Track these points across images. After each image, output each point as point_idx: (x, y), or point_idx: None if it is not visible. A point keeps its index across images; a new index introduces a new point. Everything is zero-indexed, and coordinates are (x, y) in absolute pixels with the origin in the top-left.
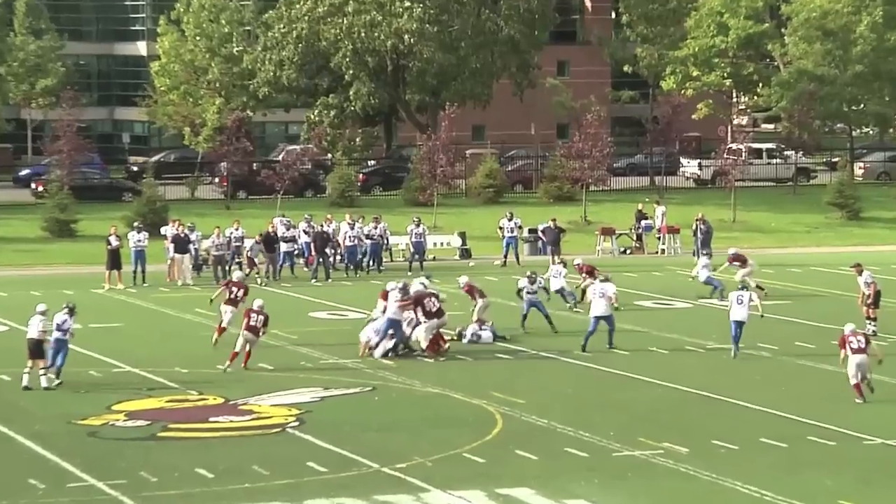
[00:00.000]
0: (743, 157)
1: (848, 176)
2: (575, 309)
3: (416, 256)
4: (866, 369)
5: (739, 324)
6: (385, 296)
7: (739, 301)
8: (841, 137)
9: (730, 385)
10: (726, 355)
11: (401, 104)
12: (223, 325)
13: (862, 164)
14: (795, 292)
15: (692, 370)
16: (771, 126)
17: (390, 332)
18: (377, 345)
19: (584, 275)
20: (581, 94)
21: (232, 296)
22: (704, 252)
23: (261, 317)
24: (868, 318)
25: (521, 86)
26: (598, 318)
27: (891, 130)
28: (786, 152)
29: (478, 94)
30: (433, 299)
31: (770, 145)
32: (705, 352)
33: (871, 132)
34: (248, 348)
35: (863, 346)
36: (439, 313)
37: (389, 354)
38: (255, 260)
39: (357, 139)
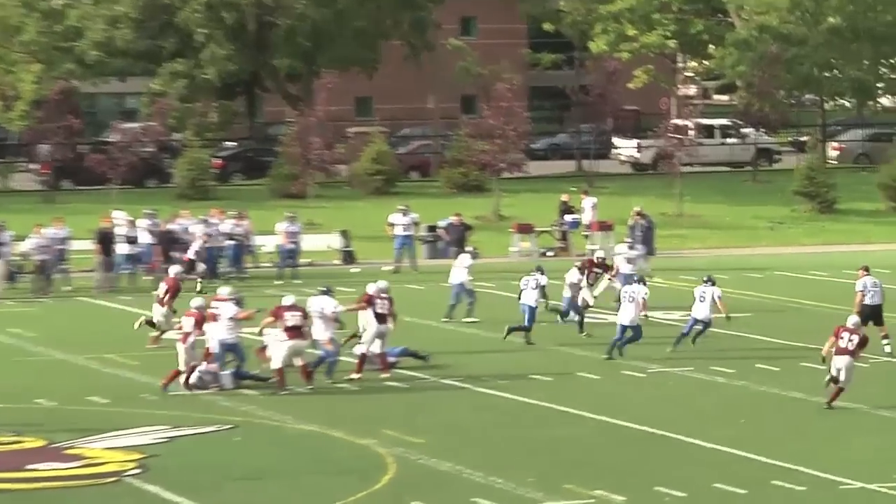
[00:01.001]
0: (691, 136)
1: (819, 159)
2: (563, 321)
3: (289, 261)
4: (848, 375)
5: (701, 323)
6: (278, 312)
7: (702, 299)
8: (811, 111)
9: (677, 418)
10: (673, 380)
11: (266, 72)
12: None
13: (837, 144)
14: (757, 303)
15: (630, 400)
16: (725, 97)
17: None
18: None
19: (592, 272)
20: (491, 59)
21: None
22: (641, 250)
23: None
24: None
25: (415, 48)
26: (625, 327)
27: (871, 102)
28: (743, 130)
29: (362, 58)
30: (385, 301)
31: (724, 121)
32: (646, 376)
33: (847, 104)
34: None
35: (852, 346)
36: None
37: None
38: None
39: (212, 115)
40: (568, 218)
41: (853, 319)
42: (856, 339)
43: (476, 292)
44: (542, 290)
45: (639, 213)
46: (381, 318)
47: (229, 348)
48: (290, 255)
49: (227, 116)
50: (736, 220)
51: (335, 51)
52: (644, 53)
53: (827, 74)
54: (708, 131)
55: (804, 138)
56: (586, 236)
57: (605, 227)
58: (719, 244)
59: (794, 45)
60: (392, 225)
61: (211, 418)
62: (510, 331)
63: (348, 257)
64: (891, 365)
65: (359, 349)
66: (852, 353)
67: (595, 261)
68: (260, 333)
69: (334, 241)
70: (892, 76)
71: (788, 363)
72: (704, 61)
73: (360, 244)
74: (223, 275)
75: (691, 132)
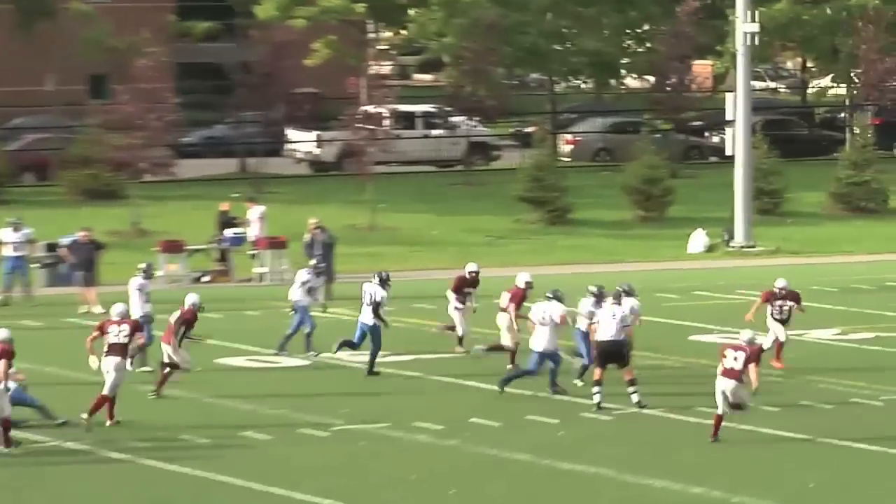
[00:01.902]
0: (386, 127)
1: (549, 155)
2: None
3: None
4: (739, 398)
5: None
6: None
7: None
8: (538, 95)
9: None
10: (366, 439)
11: None
12: None
13: (570, 137)
14: (477, 335)
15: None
16: (429, 77)
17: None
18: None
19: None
20: (128, 28)
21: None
22: (319, 268)
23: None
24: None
25: (28, 14)
26: (541, 355)
27: (614, 83)
28: (453, 119)
29: None
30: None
31: (428, 108)
32: (330, 434)
33: (584, 86)
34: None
35: (737, 367)
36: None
37: None
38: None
39: None
40: (229, 233)
41: (746, 335)
42: (742, 355)
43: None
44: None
45: (317, 227)
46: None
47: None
48: None
49: None
50: (444, 234)
51: None
52: (325, 21)
53: (557, 47)
54: (408, 120)
55: (530, 130)
56: (253, 256)
57: (276, 243)
58: (423, 264)
59: (515, 11)
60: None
61: None
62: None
63: None
64: (640, 416)
65: None
66: (737, 375)
67: (467, 276)
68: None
69: None
70: (640, 50)
71: (511, 415)
72: (402, 31)
73: None
74: None
75: (386, 122)
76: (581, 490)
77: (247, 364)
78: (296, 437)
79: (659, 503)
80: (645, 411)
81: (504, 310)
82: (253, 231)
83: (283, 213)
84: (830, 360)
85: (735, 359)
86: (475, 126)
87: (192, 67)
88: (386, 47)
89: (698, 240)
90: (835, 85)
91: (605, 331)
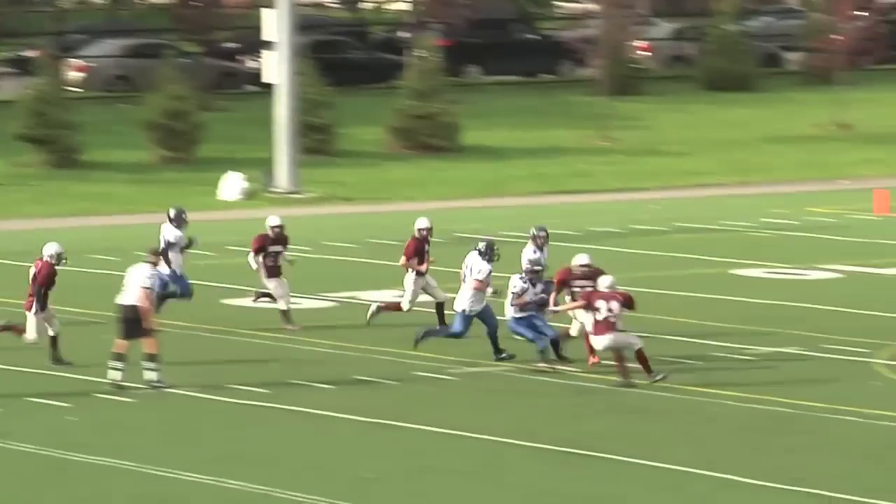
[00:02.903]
0: None
1: (54, 85)
2: None
3: None
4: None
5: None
6: None
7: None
8: (40, 13)
9: None
10: None
11: None
12: None
13: (80, 63)
14: None
15: None
16: None
17: None
18: None
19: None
20: None
21: None
22: None
23: None
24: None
25: None
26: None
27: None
28: None
29: None
30: None
31: None
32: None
33: (98, 2)
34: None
35: (613, 318)
36: None
37: None
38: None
39: None
40: None
41: (608, 280)
42: (616, 305)
43: None
44: None
45: None
46: None
47: None
48: None
49: None
50: None
51: None
52: None
53: None
54: None
55: (30, 54)
56: None
57: None
58: None
59: None
60: None
61: None
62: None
63: None
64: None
65: None
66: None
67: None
68: None
69: None
70: None
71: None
72: None
73: None
74: None
75: None
76: (92, 485)
77: None
78: None
79: (186, 499)
80: (170, 391)
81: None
82: None
83: None
84: (392, 332)
85: (610, 309)
86: None
87: None
88: None
89: (233, 185)
90: None
91: (127, 294)
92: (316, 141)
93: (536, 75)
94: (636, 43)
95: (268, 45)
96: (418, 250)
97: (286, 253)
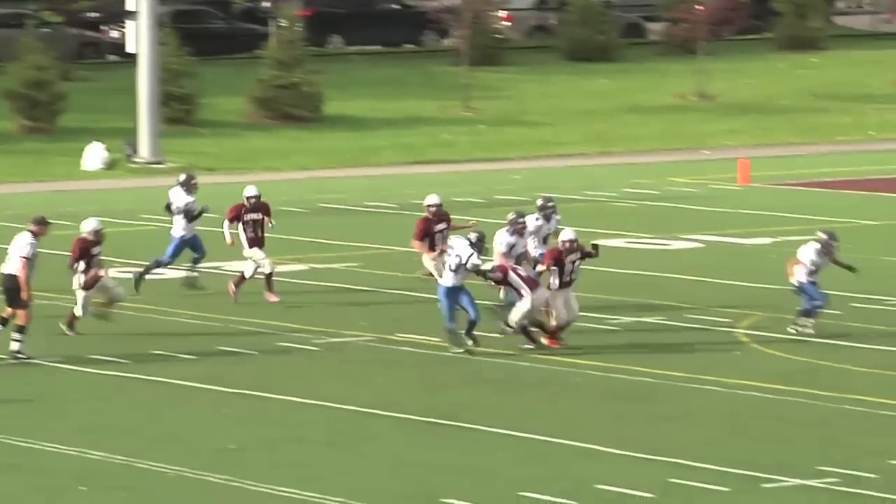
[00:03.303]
0: None
1: None
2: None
3: None
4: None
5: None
6: None
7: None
8: None
9: None
10: None
11: None
12: None
13: None
14: None
15: None
16: None
17: None
18: None
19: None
20: None
21: None
22: None
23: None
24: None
25: None
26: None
27: None
28: None
29: None
30: None
31: None
32: None
33: None
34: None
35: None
36: None
37: None
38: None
39: None
40: None
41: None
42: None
43: None
44: None
45: None
46: None
47: None
48: None
49: None
50: None
51: None
52: None
53: None
54: None
55: None
56: None
57: None
58: None
59: None
60: None
61: None
62: None
63: None
64: None
65: None
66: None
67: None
68: None
69: None
70: None
71: None
72: None
73: None
74: None
75: None
76: None
77: None
78: None
79: (51, 470)
80: (32, 362)
81: None
82: None
83: None
84: (256, 303)
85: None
86: None
87: None
88: None
89: (96, 155)
90: None
91: (8, 263)
92: (178, 111)
93: (399, 45)
94: (498, 13)
95: (130, 14)
96: (427, 231)
97: (270, 221)
